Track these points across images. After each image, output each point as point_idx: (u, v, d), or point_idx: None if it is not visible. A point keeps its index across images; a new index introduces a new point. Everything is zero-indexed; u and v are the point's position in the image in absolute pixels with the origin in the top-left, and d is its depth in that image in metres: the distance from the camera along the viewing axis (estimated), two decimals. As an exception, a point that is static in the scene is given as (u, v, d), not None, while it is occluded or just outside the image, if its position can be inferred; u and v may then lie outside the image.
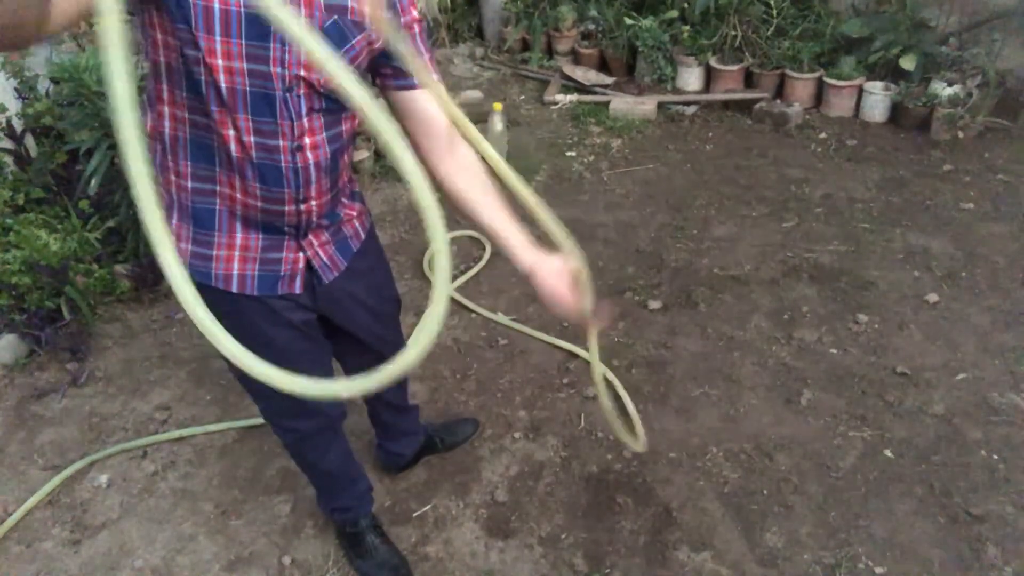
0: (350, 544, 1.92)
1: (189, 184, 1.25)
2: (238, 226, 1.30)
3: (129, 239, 2.93)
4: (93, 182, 2.70)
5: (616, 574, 1.87)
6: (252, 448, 2.29)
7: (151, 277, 2.90)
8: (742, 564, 1.86)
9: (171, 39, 1.09)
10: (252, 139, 1.18)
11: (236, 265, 1.32)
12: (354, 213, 1.47)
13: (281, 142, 1.20)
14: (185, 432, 2.34)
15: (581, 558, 1.91)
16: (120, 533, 2.06)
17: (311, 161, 1.25)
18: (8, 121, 2.98)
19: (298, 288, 1.40)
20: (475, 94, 4.20)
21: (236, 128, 1.17)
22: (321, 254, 1.41)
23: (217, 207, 1.27)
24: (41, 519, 2.11)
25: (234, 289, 1.34)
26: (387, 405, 1.94)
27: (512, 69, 4.75)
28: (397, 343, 1.72)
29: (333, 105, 1.23)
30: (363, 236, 1.51)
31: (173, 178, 1.26)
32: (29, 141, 3.06)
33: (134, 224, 2.91)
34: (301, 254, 1.37)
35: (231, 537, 2.03)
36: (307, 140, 1.23)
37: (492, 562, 1.92)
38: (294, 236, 1.35)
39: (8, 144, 3.00)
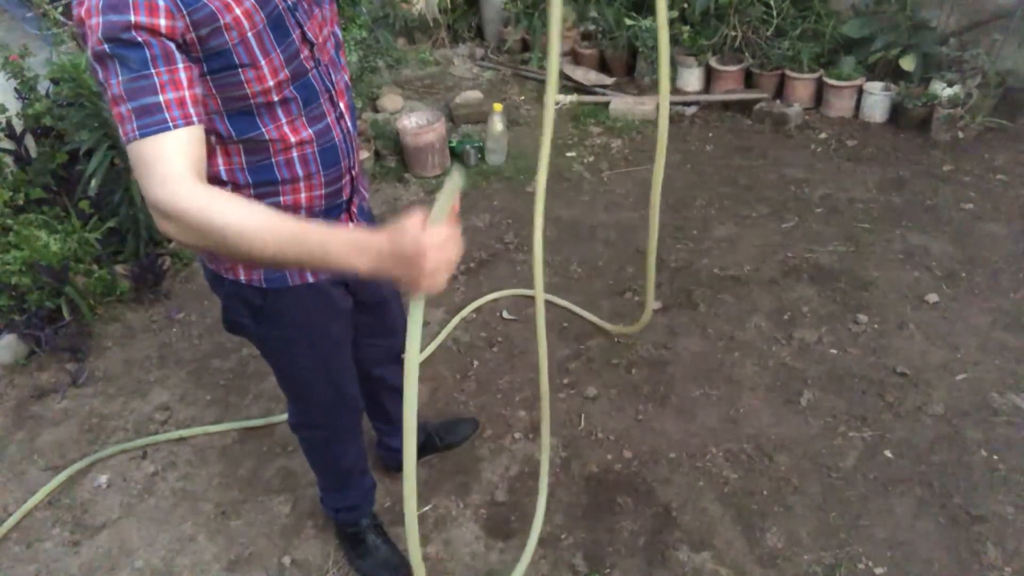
0: (350, 544, 1.93)
1: None
2: None
3: (129, 239, 2.93)
4: (93, 182, 2.70)
5: (616, 574, 1.87)
6: (252, 448, 2.29)
7: (151, 277, 2.90)
8: (742, 564, 1.86)
9: (209, 92, 1.11)
10: (311, 131, 1.23)
11: None
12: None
13: (329, 119, 1.26)
14: (185, 432, 2.34)
15: (581, 558, 1.91)
16: (120, 533, 2.06)
17: (348, 120, 1.32)
18: (8, 121, 2.98)
19: None
20: (475, 94, 4.20)
21: (295, 132, 1.21)
22: (360, 221, 1.47)
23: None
24: (41, 519, 2.11)
25: (310, 279, 1.39)
26: (392, 391, 1.94)
27: (512, 69, 4.75)
28: (402, 315, 1.82)
29: (337, 53, 1.29)
30: (366, 195, 1.57)
31: None
32: (29, 141, 3.06)
33: (134, 224, 2.91)
34: (351, 224, 1.43)
35: (231, 537, 2.03)
36: (341, 103, 1.29)
37: (492, 562, 1.92)
38: (346, 208, 1.42)
39: (8, 144, 3.00)
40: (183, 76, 1.00)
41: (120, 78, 0.96)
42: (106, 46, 0.96)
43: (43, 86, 3.02)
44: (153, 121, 0.96)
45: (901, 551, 1.87)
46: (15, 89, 3.02)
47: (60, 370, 2.63)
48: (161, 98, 0.96)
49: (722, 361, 2.48)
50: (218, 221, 0.93)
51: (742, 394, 2.35)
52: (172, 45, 0.99)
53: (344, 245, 0.93)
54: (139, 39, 0.96)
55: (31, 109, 2.93)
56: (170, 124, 0.96)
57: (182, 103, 0.98)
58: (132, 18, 0.96)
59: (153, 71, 0.97)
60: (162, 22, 0.97)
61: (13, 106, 3.01)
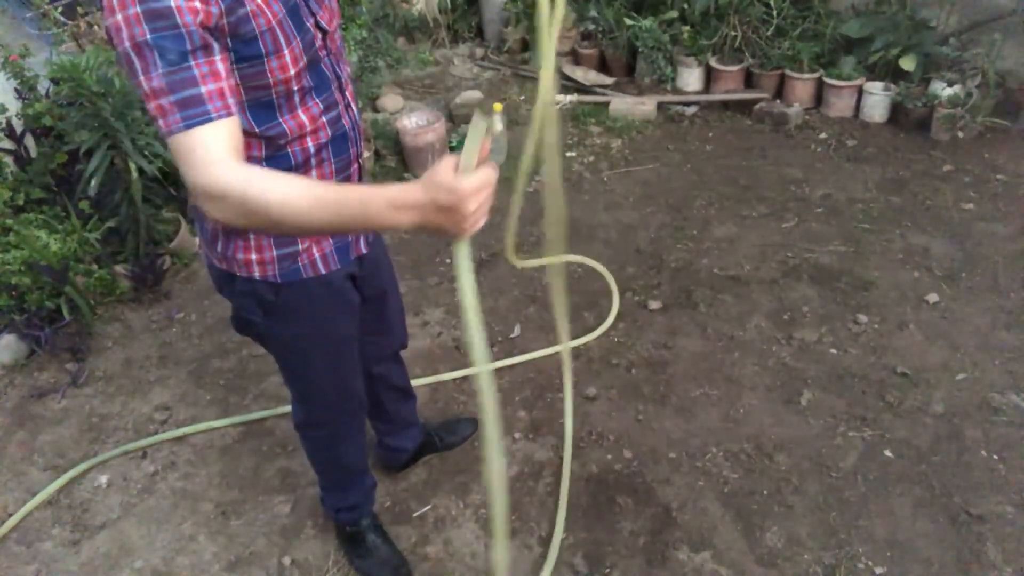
0: (351, 544, 1.93)
1: None
2: None
3: (129, 239, 2.93)
4: (93, 182, 2.70)
5: (616, 574, 1.87)
6: (252, 448, 2.29)
7: (151, 277, 2.90)
8: (742, 564, 1.86)
9: (235, 84, 1.11)
10: (325, 120, 1.26)
11: (315, 248, 1.39)
12: None
13: (339, 107, 1.29)
14: (188, 430, 2.34)
15: (581, 558, 1.91)
16: (120, 533, 2.06)
17: (354, 108, 1.34)
18: (8, 121, 2.98)
19: (363, 247, 1.50)
20: (475, 94, 4.20)
21: (312, 120, 1.23)
22: None
23: None
24: (41, 519, 2.11)
25: (322, 270, 1.41)
26: (392, 389, 1.95)
27: (512, 69, 4.75)
28: (402, 310, 1.86)
29: (342, 44, 1.31)
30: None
31: None
32: (29, 141, 3.06)
33: (134, 224, 2.91)
34: None
35: (231, 537, 2.03)
36: (348, 92, 1.32)
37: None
38: None
39: (8, 144, 3.00)
40: (221, 67, 1.01)
41: (160, 70, 0.96)
42: (148, 36, 0.95)
43: (43, 86, 3.02)
44: (196, 113, 0.97)
45: (901, 551, 1.87)
46: (15, 89, 3.02)
47: (60, 370, 2.63)
48: (203, 89, 0.97)
49: (722, 361, 2.48)
50: (261, 196, 0.94)
51: (742, 394, 2.35)
52: (207, 34, 0.99)
53: (384, 204, 0.96)
54: (179, 27, 0.96)
55: (31, 109, 2.92)
56: (212, 115, 0.97)
57: (222, 94, 0.99)
58: (172, 3, 0.96)
59: (193, 63, 0.97)
60: (198, 5, 0.97)
61: (13, 106, 3.01)
